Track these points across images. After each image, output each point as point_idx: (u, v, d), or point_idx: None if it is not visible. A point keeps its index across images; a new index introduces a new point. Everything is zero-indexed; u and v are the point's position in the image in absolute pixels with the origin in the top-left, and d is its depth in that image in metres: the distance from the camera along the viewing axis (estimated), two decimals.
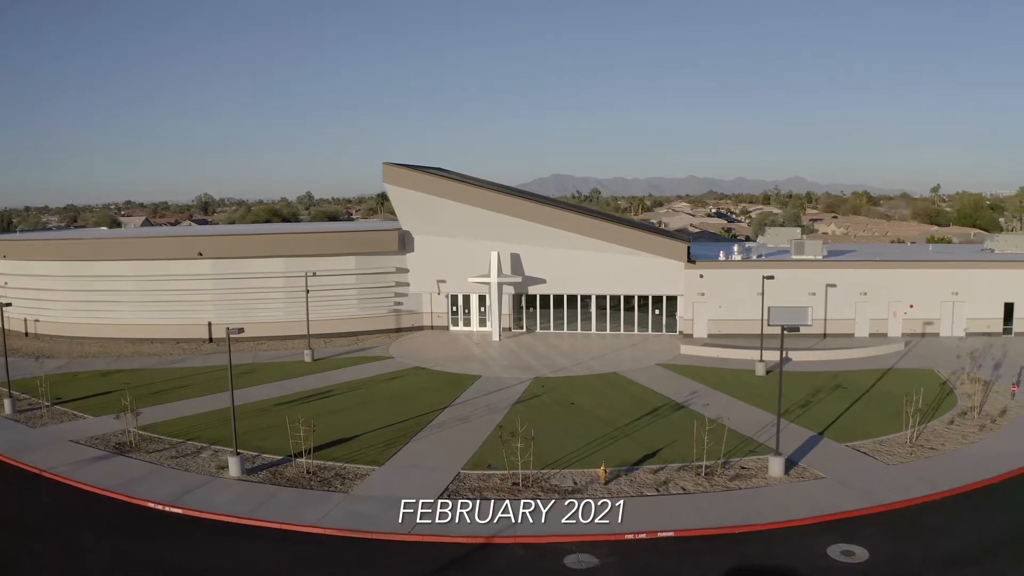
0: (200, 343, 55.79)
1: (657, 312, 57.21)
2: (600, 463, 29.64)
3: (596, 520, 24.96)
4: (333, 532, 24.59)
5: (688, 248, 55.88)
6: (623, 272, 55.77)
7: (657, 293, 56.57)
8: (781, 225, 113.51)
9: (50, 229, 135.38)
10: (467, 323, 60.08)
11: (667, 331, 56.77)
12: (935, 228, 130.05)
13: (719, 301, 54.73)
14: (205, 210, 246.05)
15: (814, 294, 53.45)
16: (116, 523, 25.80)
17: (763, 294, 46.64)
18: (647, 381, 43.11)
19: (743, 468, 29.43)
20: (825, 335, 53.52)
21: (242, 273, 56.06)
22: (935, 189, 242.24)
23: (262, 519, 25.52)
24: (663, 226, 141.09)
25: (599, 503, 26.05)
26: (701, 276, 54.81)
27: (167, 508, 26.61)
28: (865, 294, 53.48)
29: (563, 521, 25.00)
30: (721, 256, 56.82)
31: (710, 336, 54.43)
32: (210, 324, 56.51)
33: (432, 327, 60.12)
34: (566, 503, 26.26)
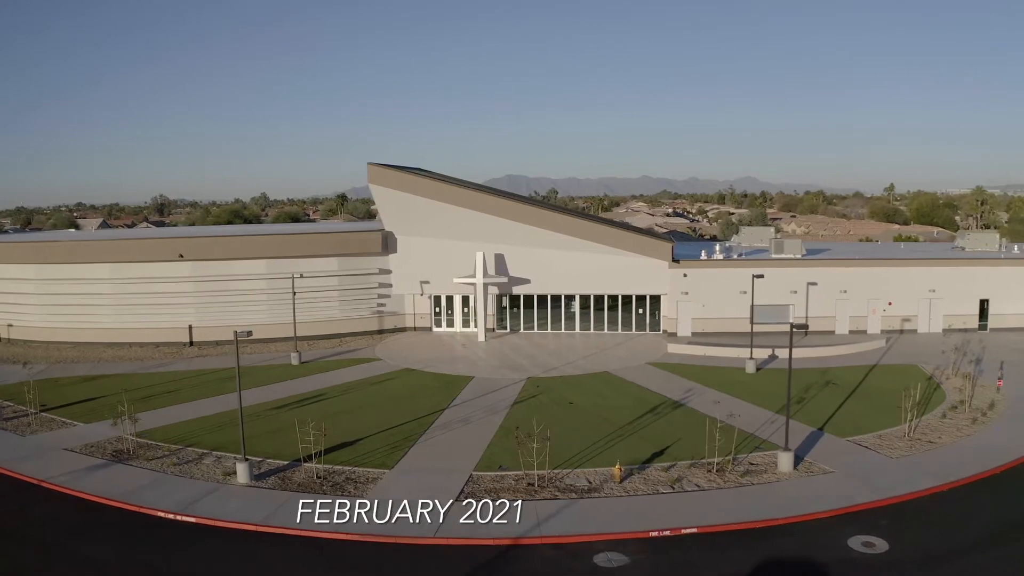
0: (181, 347, 54.62)
1: (641, 311, 57.67)
2: (610, 462, 29.82)
3: (620, 518, 25.14)
4: (357, 537, 24.30)
5: (672, 248, 56.46)
6: (607, 272, 56.09)
7: (641, 292, 57.02)
8: (749, 224, 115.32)
9: (7, 232, 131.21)
10: (450, 324, 59.84)
11: (651, 330, 57.26)
12: (897, 227, 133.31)
13: (703, 300, 55.40)
14: (161, 212, 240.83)
15: (795, 292, 54.45)
16: (128, 534, 25.09)
17: (752, 293, 47.38)
18: (641, 380, 43.45)
19: (752, 464, 29.84)
20: (806, 332, 54.51)
21: (224, 275, 55.05)
22: (889, 189, 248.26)
23: (282, 526, 25.10)
24: None
25: (619, 501, 26.32)
26: (685, 275, 55.41)
27: (179, 517, 25.98)
28: (845, 292, 54.63)
29: (587, 520, 25.11)
30: (703, 255, 57.53)
31: (694, 335, 55.06)
32: (191, 327, 55.38)
33: (415, 328, 59.77)
34: (586, 502, 26.46)
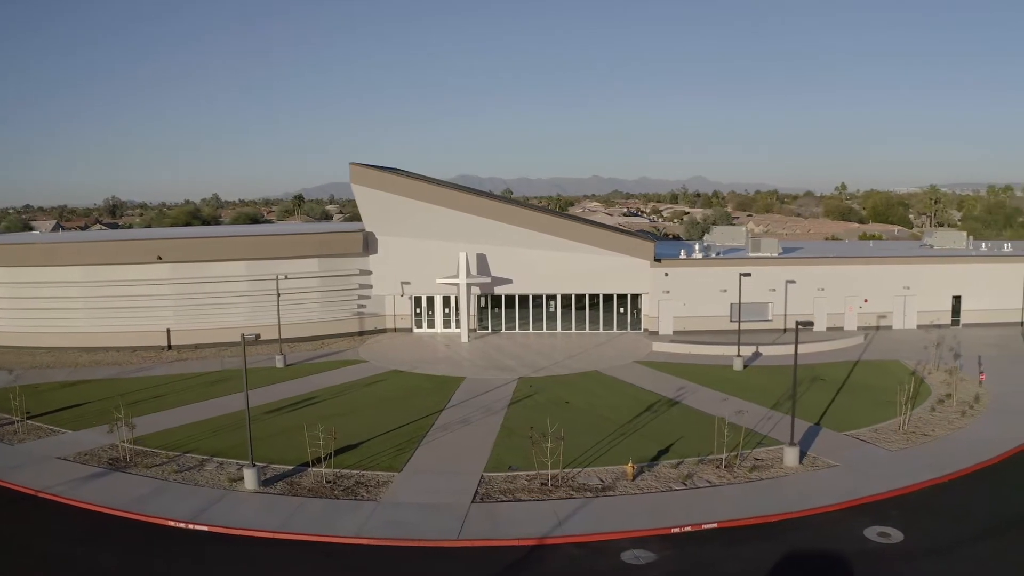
0: (159, 351, 53.39)
1: (622, 310, 58.13)
2: (617, 460, 30.16)
3: (639, 515, 25.35)
4: (378, 542, 24.05)
5: (654, 247, 57.01)
6: (590, 271, 56.42)
7: (623, 292, 57.48)
8: (714, 223, 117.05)
9: None
10: (431, 325, 59.55)
11: (632, 329, 57.75)
12: (857, 225, 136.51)
13: (684, 299, 56.08)
14: (113, 213, 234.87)
15: (774, 290, 55.47)
16: (140, 544, 24.45)
17: (740, 291, 48.16)
18: (631, 378, 43.83)
19: (758, 460, 30.34)
20: (785, 330, 55.55)
21: (203, 277, 53.96)
22: (841, 188, 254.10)
23: (300, 532, 24.73)
24: None
25: (635, 499, 26.60)
26: (666, 274, 56.01)
27: (191, 526, 25.42)
28: (823, 289, 55.81)
29: (606, 518, 25.26)
30: (682, 255, 58.20)
31: (675, 333, 55.70)
32: (169, 331, 54.17)
33: (395, 329, 59.34)
34: (602, 500, 26.64)
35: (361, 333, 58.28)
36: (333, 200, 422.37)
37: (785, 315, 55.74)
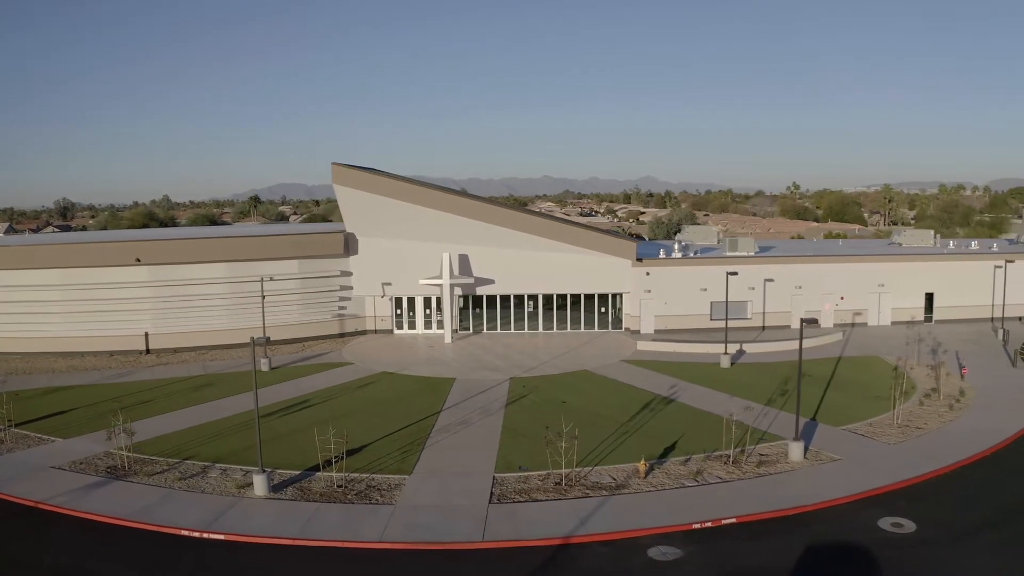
0: (138, 355, 52.09)
1: (603, 310, 58.55)
2: (624, 459, 30.47)
3: (657, 512, 25.60)
4: (403, 546, 23.84)
5: (636, 247, 57.51)
6: (572, 271, 56.69)
7: (604, 291, 57.88)
8: (680, 223, 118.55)
9: None
10: (412, 326, 59.22)
11: (613, 328, 58.19)
12: (816, 224, 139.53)
13: (665, 297, 56.72)
14: (64, 215, 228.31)
15: (753, 288, 56.43)
16: (154, 554, 23.81)
17: (726, 289, 48.96)
18: (622, 377, 44.19)
19: (763, 455, 30.88)
20: (764, 327, 56.59)
21: (182, 280, 52.79)
22: (794, 187, 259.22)
23: (322, 539, 24.40)
24: None
25: (650, 496, 26.89)
26: (648, 273, 56.59)
27: (206, 535, 24.88)
28: (800, 288, 56.97)
29: (626, 516, 25.45)
30: (662, 254, 58.80)
31: (656, 332, 56.31)
32: (147, 335, 52.90)
33: (375, 331, 58.87)
34: (619, 498, 26.83)
35: (342, 335, 57.70)
36: (285, 201, 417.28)
37: (764, 312, 56.75)
